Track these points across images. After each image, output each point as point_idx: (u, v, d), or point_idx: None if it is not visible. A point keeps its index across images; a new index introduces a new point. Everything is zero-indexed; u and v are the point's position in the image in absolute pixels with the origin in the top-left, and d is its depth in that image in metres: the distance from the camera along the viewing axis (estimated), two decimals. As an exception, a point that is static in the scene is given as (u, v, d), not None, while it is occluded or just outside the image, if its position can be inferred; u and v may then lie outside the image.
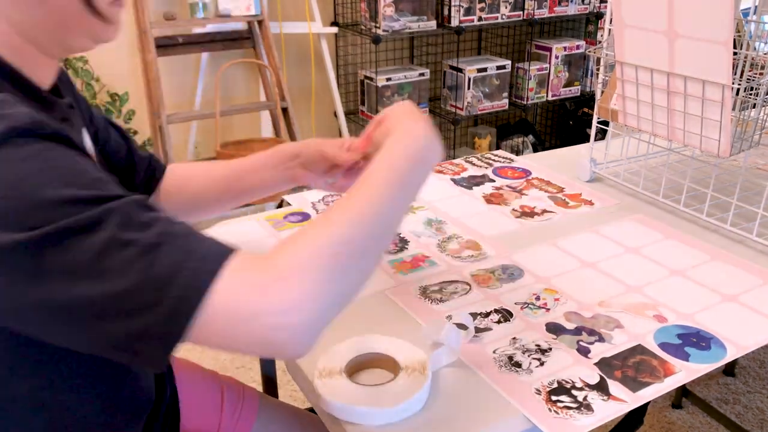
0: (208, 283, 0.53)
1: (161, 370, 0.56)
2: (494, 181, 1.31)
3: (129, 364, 0.56)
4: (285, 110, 2.54)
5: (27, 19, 0.64)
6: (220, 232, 1.10)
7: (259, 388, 1.19)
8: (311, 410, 1.03)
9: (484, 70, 2.87)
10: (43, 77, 0.69)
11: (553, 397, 0.72)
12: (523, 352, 0.79)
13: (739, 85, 0.98)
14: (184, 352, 1.99)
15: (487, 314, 0.87)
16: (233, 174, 0.97)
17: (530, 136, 3.24)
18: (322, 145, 0.95)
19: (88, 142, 0.80)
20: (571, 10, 2.98)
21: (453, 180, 1.31)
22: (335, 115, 2.92)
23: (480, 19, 2.78)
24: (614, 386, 0.73)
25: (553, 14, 2.94)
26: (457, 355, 0.77)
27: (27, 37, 0.65)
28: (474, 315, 0.86)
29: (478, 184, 1.29)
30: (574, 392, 0.72)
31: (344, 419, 0.70)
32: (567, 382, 0.74)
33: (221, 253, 0.55)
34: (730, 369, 2.01)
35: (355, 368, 0.77)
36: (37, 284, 0.53)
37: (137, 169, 0.93)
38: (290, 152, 0.95)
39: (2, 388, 0.64)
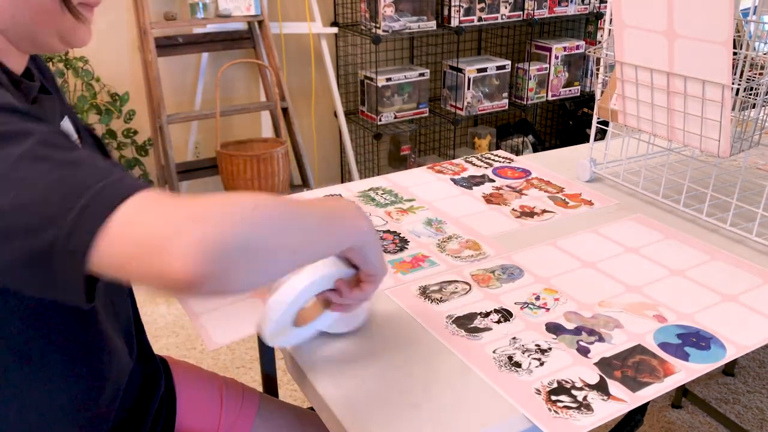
0: (119, 202, 0.52)
1: (81, 299, 0.54)
2: (494, 181, 1.31)
3: (47, 294, 0.55)
4: (285, 110, 2.55)
5: (2, 9, 0.65)
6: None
7: (259, 388, 1.20)
8: (312, 410, 1.03)
9: (484, 70, 2.87)
10: (13, 65, 0.69)
11: (553, 397, 0.72)
12: (523, 352, 0.79)
13: (738, 85, 0.98)
14: (184, 352, 1.98)
15: (487, 314, 0.87)
16: None
17: (530, 136, 3.24)
18: None
19: (68, 126, 0.80)
20: (571, 10, 2.98)
21: (453, 180, 1.32)
22: (335, 115, 2.92)
23: (480, 19, 2.78)
24: (614, 386, 0.73)
25: (552, 14, 2.95)
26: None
27: None
28: (474, 315, 0.86)
29: (477, 184, 1.29)
30: (573, 392, 0.73)
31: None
32: (567, 381, 0.74)
33: (139, 184, 0.54)
34: (729, 369, 2.01)
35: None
36: None
37: None
38: None
39: None
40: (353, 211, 0.70)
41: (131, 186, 0.53)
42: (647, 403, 0.74)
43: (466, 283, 0.94)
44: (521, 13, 2.87)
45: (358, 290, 0.75)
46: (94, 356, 0.76)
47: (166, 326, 2.21)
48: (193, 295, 0.53)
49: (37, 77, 0.75)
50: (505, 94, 2.97)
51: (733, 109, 1.03)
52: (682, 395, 1.87)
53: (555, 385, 0.74)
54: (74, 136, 0.81)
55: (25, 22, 0.66)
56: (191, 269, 0.50)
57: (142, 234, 0.51)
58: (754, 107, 1.09)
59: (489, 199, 1.22)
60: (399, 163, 3.08)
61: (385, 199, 1.23)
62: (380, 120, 2.80)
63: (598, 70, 1.23)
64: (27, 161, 0.53)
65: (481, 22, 2.79)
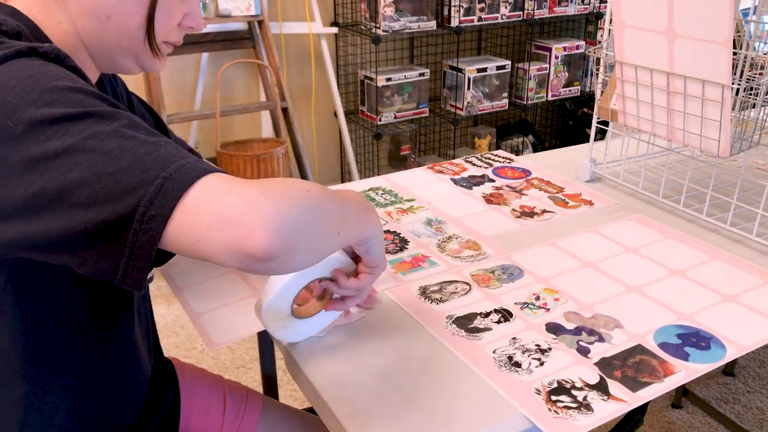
0: (199, 176, 0.56)
1: (141, 278, 0.57)
2: (494, 181, 1.31)
3: (107, 274, 0.57)
4: (285, 110, 2.55)
5: (89, 28, 0.70)
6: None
7: (260, 387, 1.20)
8: (311, 410, 1.03)
9: (484, 70, 2.87)
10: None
11: (553, 397, 0.72)
12: (523, 352, 0.79)
13: (738, 85, 0.98)
14: (184, 352, 1.99)
15: (487, 314, 0.87)
16: None
17: (530, 136, 3.24)
18: None
19: None
20: (571, 10, 2.98)
21: (453, 180, 1.32)
22: (335, 115, 2.92)
23: (480, 19, 2.78)
24: (614, 386, 0.73)
25: (552, 14, 2.95)
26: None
27: (84, 43, 0.71)
28: (474, 315, 0.86)
29: (478, 184, 1.29)
30: (573, 392, 0.73)
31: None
32: (567, 382, 0.74)
33: (214, 166, 0.59)
34: (729, 369, 2.01)
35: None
36: (38, 167, 0.55)
37: None
38: None
39: None
40: (366, 204, 0.72)
41: (208, 165, 0.58)
42: (647, 403, 0.74)
43: (466, 284, 0.94)
44: (521, 13, 2.87)
45: (356, 280, 0.76)
46: (121, 362, 0.77)
47: (166, 326, 2.21)
48: (258, 268, 0.56)
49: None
50: (505, 94, 2.97)
51: (733, 109, 1.03)
52: (682, 395, 1.87)
53: (555, 385, 0.74)
54: None
55: (109, 45, 0.71)
56: (267, 242, 0.54)
57: (221, 207, 0.55)
58: (754, 107, 1.09)
59: (489, 199, 1.22)
60: (399, 163, 3.08)
61: (385, 199, 1.23)
62: (380, 120, 2.80)
63: (598, 70, 1.23)
64: (115, 137, 0.56)
65: (481, 22, 2.79)
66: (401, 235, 1.09)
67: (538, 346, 0.80)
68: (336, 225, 0.64)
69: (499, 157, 1.43)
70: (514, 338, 0.82)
